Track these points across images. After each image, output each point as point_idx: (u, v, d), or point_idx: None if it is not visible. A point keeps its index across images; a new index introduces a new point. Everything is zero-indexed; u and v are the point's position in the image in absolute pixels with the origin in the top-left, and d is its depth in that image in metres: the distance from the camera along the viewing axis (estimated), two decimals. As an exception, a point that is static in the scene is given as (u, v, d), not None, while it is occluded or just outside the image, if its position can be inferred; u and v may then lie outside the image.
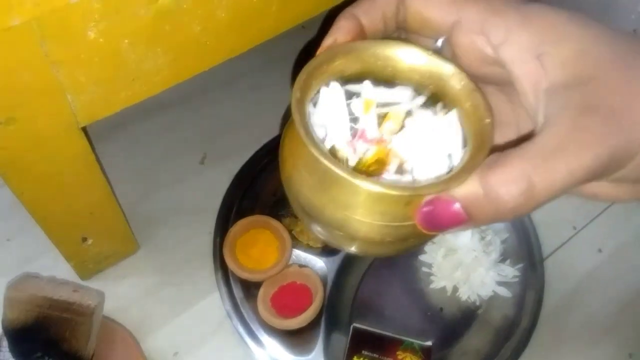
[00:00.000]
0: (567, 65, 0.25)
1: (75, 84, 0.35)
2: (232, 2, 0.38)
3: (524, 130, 0.29)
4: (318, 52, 0.29)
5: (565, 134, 0.23)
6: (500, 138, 0.29)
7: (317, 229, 0.30)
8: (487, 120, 0.27)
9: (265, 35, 0.43)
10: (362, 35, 0.29)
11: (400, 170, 0.29)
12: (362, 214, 0.27)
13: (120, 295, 0.55)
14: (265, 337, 0.53)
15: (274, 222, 0.57)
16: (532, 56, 0.25)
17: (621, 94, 0.24)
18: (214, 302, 0.55)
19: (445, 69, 0.29)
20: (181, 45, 0.38)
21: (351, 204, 0.26)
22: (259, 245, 0.56)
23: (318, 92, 0.29)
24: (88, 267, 0.55)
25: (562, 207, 0.64)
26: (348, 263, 0.57)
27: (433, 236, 0.29)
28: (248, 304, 0.54)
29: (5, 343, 0.45)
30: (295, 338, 0.53)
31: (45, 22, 0.30)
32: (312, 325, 0.53)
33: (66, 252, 0.51)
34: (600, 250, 0.62)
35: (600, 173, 0.24)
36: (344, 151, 0.29)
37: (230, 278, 0.55)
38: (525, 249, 0.59)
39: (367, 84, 0.30)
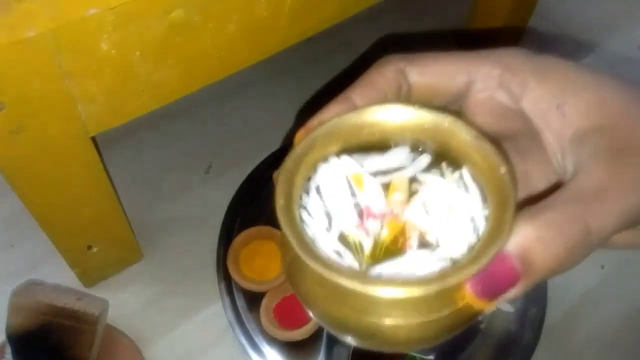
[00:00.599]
0: (589, 114, 0.25)
1: (87, 94, 0.35)
2: (242, 16, 0.38)
3: (537, 184, 0.27)
4: (295, 140, 0.26)
5: (607, 176, 0.23)
6: None
7: (354, 342, 0.26)
8: (503, 170, 0.23)
9: (274, 48, 0.43)
10: None
11: (423, 243, 0.25)
12: (392, 318, 0.23)
13: (123, 303, 0.55)
14: (267, 348, 0.53)
15: (279, 233, 0.57)
16: (552, 107, 0.25)
17: None
18: (216, 312, 0.55)
19: (440, 120, 0.26)
20: (191, 57, 0.38)
21: (375, 311, 0.23)
22: (262, 256, 0.57)
23: (308, 181, 0.26)
24: (92, 274, 0.55)
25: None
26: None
27: (479, 315, 0.25)
28: (251, 315, 0.54)
29: (8, 350, 0.45)
30: (297, 350, 0.53)
31: (60, 34, 0.30)
32: (315, 337, 0.53)
33: (70, 260, 0.51)
34: (603, 267, 0.62)
35: None
36: (355, 236, 0.25)
37: (234, 288, 0.56)
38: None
39: (345, 158, 0.26)
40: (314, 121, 0.27)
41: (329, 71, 0.75)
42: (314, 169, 0.26)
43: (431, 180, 0.26)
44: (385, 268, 0.24)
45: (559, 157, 0.25)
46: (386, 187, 0.26)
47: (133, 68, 0.36)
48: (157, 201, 0.62)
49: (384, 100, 0.27)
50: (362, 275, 0.22)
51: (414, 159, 0.27)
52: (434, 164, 0.27)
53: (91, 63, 0.34)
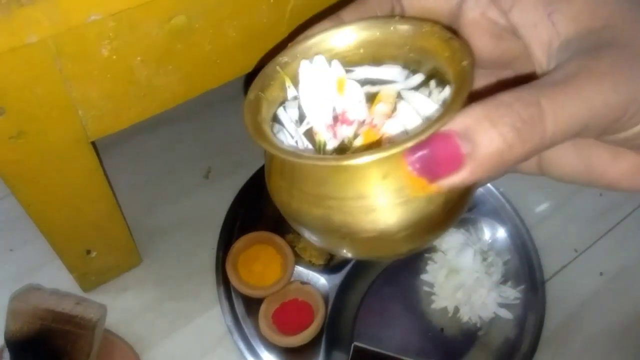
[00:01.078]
0: (580, 19, 0.23)
1: (87, 100, 0.35)
2: (242, 22, 0.38)
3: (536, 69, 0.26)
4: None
5: (576, 67, 0.21)
6: None
7: (309, 237, 0.26)
8: (465, 62, 0.23)
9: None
10: None
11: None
12: (338, 202, 0.23)
13: (121, 308, 0.55)
14: (265, 354, 0.53)
15: (277, 239, 0.57)
16: (543, 16, 0.24)
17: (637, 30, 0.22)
18: (215, 317, 0.55)
19: (418, 27, 0.26)
20: (192, 63, 0.39)
21: (325, 192, 0.23)
22: (261, 261, 0.57)
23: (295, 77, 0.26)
24: (90, 279, 0.55)
25: (563, 230, 0.64)
26: (350, 281, 0.57)
27: (438, 211, 0.23)
28: (249, 320, 0.54)
29: (6, 354, 0.45)
30: (295, 355, 0.53)
31: (61, 40, 0.30)
32: (313, 343, 0.53)
33: (69, 264, 0.51)
34: (601, 274, 0.62)
35: (613, 118, 0.21)
36: (321, 135, 0.25)
37: (232, 293, 0.56)
38: (527, 271, 0.59)
39: (335, 62, 0.27)
40: (300, 37, 0.27)
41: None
42: (299, 67, 0.26)
43: (416, 98, 0.25)
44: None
45: (545, 69, 0.24)
46: (372, 97, 0.26)
47: (134, 74, 0.36)
48: (156, 206, 0.62)
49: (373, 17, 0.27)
50: (301, 152, 0.23)
51: (406, 77, 0.27)
52: (424, 83, 0.27)
53: (92, 69, 0.34)
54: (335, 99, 0.26)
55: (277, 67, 0.26)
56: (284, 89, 0.27)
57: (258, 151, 0.65)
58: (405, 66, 0.27)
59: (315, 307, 0.54)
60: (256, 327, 0.53)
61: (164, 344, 0.54)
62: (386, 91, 0.26)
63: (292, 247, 0.57)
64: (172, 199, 0.63)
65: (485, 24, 0.26)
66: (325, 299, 0.55)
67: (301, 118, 0.26)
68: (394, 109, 0.25)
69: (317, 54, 0.26)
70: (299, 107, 0.26)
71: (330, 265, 0.58)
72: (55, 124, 0.36)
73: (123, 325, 0.54)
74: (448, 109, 0.21)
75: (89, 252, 0.51)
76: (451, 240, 0.58)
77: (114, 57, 0.34)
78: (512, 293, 0.57)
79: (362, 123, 0.26)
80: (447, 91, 0.25)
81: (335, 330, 0.54)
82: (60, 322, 0.46)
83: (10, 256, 0.58)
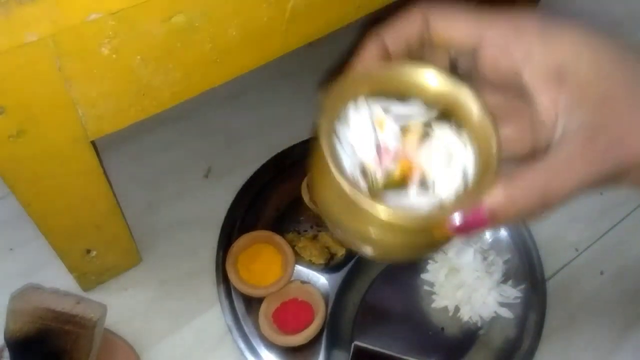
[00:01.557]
0: (585, 86, 0.27)
1: (87, 99, 0.35)
2: (242, 20, 0.38)
3: (522, 147, 0.32)
4: (346, 72, 0.32)
5: (576, 152, 0.27)
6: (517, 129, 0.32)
7: (342, 237, 0.34)
8: (494, 150, 0.30)
9: (274, 53, 0.43)
10: (385, 55, 0.32)
11: (422, 182, 0.32)
12: (381, 231, 0.30)
13: (121, 307, 0.55)
14: (265, 353, 0.53)
15: (277, 238, 0.57)
16: (552, 75, 0.28)
17: (629, 119, 0.27)
18: (215, 317, 0.55)
19: (462, 92, 0.32)
20: (192, 62, 0.38)
21: (371, 223, 0.30)
22: (261, 261, 0.56)
23: (345, 112, 0.32)
24: (90, 278, 0.55)
25: (564, 229, 0.64)
26: (350, 280, 0.57)
27: (446, 243, 0.33)
28: (249, 319, 0.54)
29: (7, 354, 0.45)
30: (296, 355, 0.53)
31: (61, 39, 0.30)
32: (313, 343, 0.53)
33: (69, 264, 0.51)
34: (602, 273, 0.62)
35: (603, 184, 0.28)
36: (372, 168, 0.32)
37: (232, 293, 0.55)
38: (528, 270, 0.59)
39: (377, 106, 0.33)
40: (355, 59, 0.32)
41: (329, 76, 0.75)
42: (348, 106, 0.33)
43: (441, 130, 0.33)
44: (390, 196, 0.31)
45: (552, 122, 0.28)
46: (404, 130, 0.33)
47: (134, 73, 0.36)
48: (157, 205, 0.62)
49: (406, 46, 0.32)
50: (374, 198, 0.29)
51: (427, 111, 0.33)
52: (442, 118, 0.33)
53: (92, 67, 0.34)
54: (378, 136, 0.33)
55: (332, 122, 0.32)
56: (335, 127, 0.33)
57: (257, 151, 0.65)
58: (427, 104, 0.33)
59: (316, 306, 0.54)
60: (256, 327, 0.53)
61: (164, 343, 0.54)
62: (414, 125, 0.33)
63: (292, 247, 0.57)
64: (172, 198, 0.63)
65: (496, 66, 0.30)
66: (326, 298, 0.55)
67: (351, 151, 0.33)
68: (421, 139, 0.33)
69: (361, 91, 0.33)
70: (350, 144, 0.32)
71: (331, 264, 0.58)
72: (55, 123, 0.36)
73: (123, 324, 0.54)
74: (479, 187, 0.29)
75: (89, 251, 0.51)
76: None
77: (114, 56, 0.34)
78: (512, 292, 0.57)
79: (399, 154, 0.33)
80: (466, 133, 0.32)
81: (335, 329, 0.54)
82: (61, 322, 0.46)
83: (10, 255, 0.58)
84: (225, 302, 0.55)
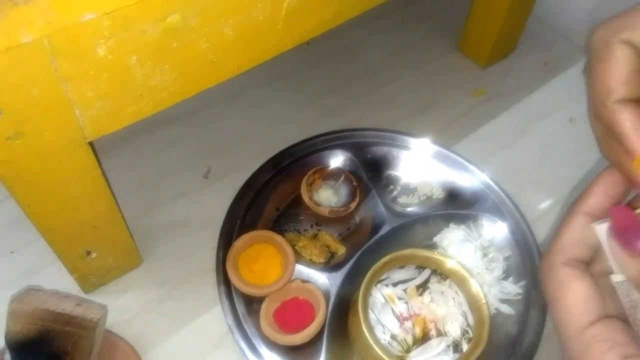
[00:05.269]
0: None
1: (84, 99, 0.35)
2: (238, 20, 0.38)
3: None
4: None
5: None
6: None
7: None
8: (483, 302, 0.49)
9: (271, 52, 0.43)
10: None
11: (437, 329, 0.49)
12: None
13: (122, 308, 0.55)
14: (267, 353, 0.53)
15: (277, 237, 0.57)
16: None
17: None
18: (216, 317, 0.55)
19: (438, 255, 0.53)
20: (188, 62, 0.39)
21: None
22: (262, 260, 0.56)
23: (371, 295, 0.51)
24: (91, 280, 0.55)
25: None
26: (351, 279, 0.57)
27: None
28: (250, 319, 0.54)
29: (7, 356, 0.45)
30: (297, 354, 0.53)
31: (56, 40, 0.30)
32: (314, 342, 0.53)
33: (69, 265, 0.51)
34: (603, 269, 0.62)
35: None
36: (400, 334, 0.49)
37: (233, 293, 0.55)
38: (528, 266, 0.59)
39: (388, 288, 0.53)
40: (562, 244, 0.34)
41: (327, 75, 0.75)
42: (376, 285, 0.52)
43: (439, 286, 0.52)
44: (417, 354, 0.49)
45: None
46: (407, 292, 0.52)
47: (130, 73, 0.36)
48: (156, 206, 0.62)
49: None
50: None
51: (419, 273, 0.53)
52: (434, 275, 0.53)
53: (88, 68, 0.34)
54: (393, 308, 0.51)
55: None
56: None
57: (256, 151, 0.65)
58: (418, 265, 0.52)
59: (316, 305, 0.54)
60: (257, 326, 0.53)
61: (165, 343, 0.54)
62: (411, 289, 0.53)
63: (293, 246, 0.57)
64: (172, 199, 0.63)
65: None
66: (326, 297, 0.55)
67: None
68: (422, 295, 0.52)
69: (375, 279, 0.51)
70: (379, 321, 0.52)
71: (331, 263, 0.58)
72: (52, 125, 0.36)
73: (124, 325, 0.54)
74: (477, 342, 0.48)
75: (89, 253, 0.51)
76: (451, 237, 0.58)
77: (110, 56, 0.34)
78: (513, 289, 0.57)
79: (412, 315, 0.51)
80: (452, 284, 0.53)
81: (336, 328, 0.54)
82: (61, 323, 0.46)
83: (10, 258, 0.58)
84: (226, 302, 0.55)
